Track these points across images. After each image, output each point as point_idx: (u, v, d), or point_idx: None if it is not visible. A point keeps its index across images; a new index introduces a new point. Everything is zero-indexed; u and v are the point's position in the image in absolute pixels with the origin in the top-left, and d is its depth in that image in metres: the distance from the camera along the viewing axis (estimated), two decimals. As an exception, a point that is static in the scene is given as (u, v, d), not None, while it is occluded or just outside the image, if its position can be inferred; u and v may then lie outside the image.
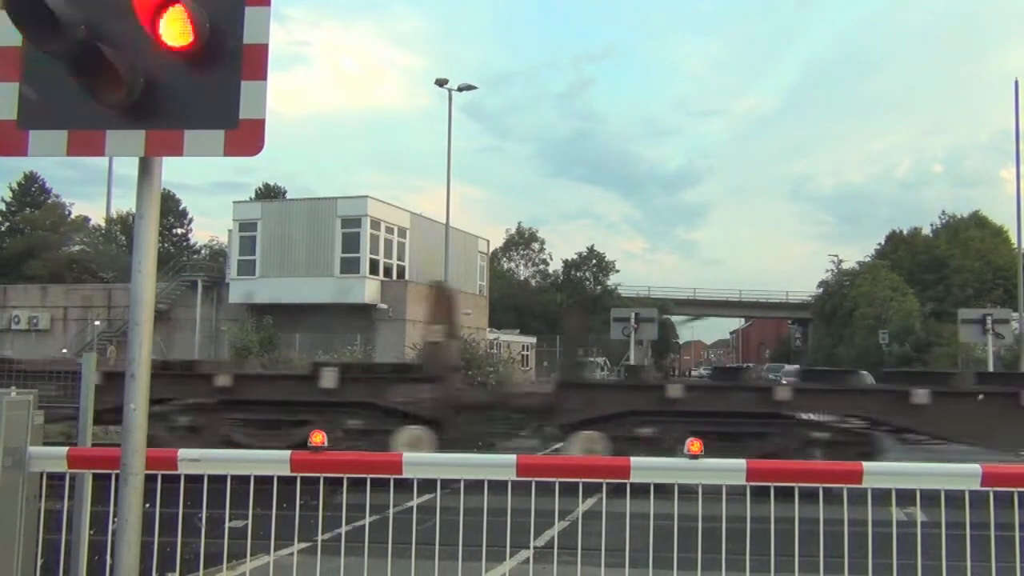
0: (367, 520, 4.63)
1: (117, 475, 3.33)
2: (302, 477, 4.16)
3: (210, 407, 11.68)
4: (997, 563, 4.02)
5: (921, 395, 11.30)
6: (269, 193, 63.05)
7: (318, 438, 4.16)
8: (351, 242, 35.52)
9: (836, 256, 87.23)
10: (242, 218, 37.41)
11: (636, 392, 12.29)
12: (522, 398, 13.42)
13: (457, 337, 14.34)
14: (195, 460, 4.12)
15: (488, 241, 48.41)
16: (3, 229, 61.71)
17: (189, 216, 68.92)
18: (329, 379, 11.81)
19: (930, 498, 4.06)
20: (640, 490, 4.20)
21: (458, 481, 4.23)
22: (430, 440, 11.49)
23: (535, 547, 4.86)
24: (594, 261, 74.21)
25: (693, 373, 70.88)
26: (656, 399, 11.72)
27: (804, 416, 11.73)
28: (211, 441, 10.71)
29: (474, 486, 4.25)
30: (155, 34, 3.10)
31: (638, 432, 11.42)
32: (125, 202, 71.82)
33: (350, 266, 35.42)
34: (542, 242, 75.00)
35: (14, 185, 62.51)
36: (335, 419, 11.45)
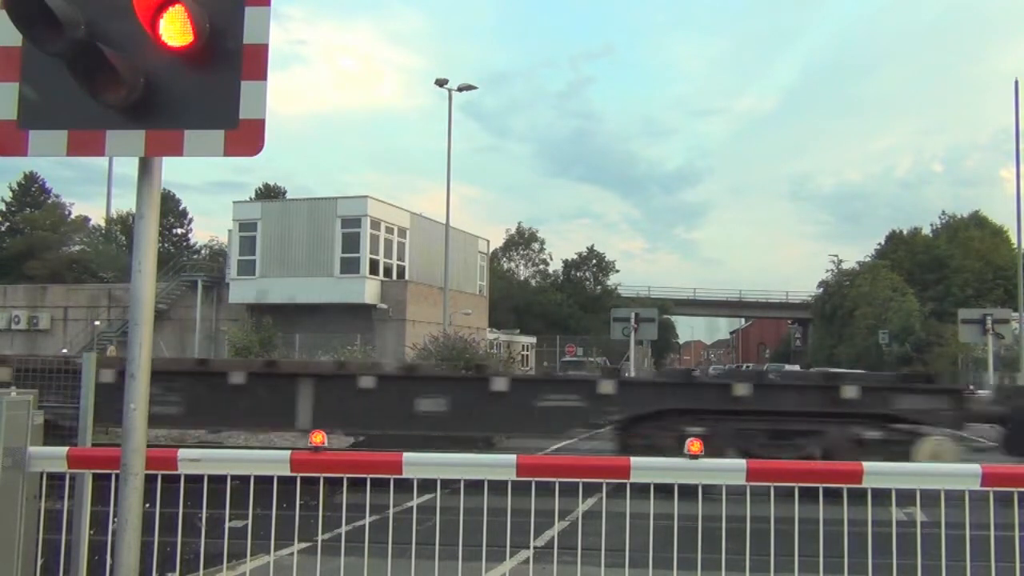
0: (367, 520, 4.63)
1: (117, 475, 3.33)
2: (302, 477, 4.17)
3: (725, 415, 11.50)
4: (997, 563, 4.01)
5: None
6: (269, 193, 63.05)
7: (318, 438, 4.16)
8: (351, 242, 35.52)
9: (836, 256, 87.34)
10: (242, 218, 37.42)
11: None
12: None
13: None
14: (195, 460, 4.12)
15: (488, 241, 48.43)
16: (3, 229, 61.71)
17: (189, 216, 69.00)
18: (851, 391, 11.52)
19: (930, 498, 4.07)
20: (640, 490, 4.20)
21: (458, 481, 4.23)
22: (953, 450, 11.20)
23: (535, 547, 4.86)
24: (594, 261, 74.23)
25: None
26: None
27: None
28: (721, 449, 10.43)
29: (474, 486, 4.25)
30: (155, 34, 3.10)
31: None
32: (125, 202, 71.93)
33: (350, 266, 35.43)
34: (542, 242, 75.10)
35: (14, 185, 62.61)
36: (847, 430, 11.27)
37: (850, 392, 11.45)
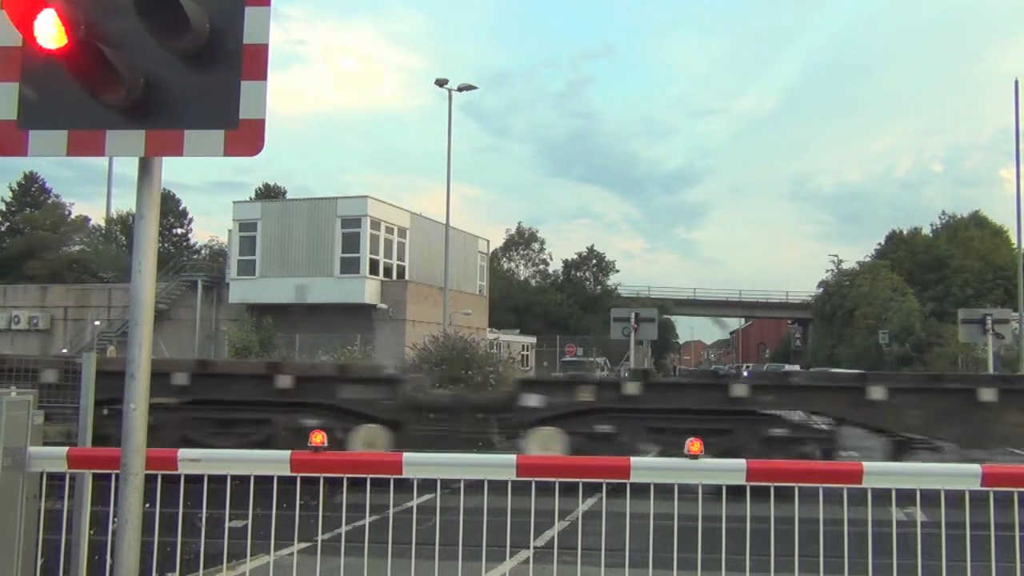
0: (367, 520, 4.63)
1: (117, 475, 3.33)
2: (302, 477, 4.17)
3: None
4: (997, 563, 4.02)
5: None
6: (269, 193, 63.03)
7: (318, 438, 4.16)
8: (351, 242, 35.53)
9: (836, 256, 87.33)
10: (242, 218, 37.42)
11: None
12: None
13: None
14: (195, 460, 4.12)
15: (488, 241, 48.44)
16: (3, 229, 61.70)
17: (189, 216, 68.98)
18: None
19: (930, 498, 4.07)
20: (640, 490, 4.20)
21: (458, 481, 4.23)
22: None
23: (535, 547, 4.86)
24: (594, 261, 74.25)
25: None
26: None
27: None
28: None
29: (474, 486, 4.25)
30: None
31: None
32: (125, 202, 71.89)
33: (350, 266, 35.43)
34: (542, 242, 75.13)
35: (14, 185, 62.59)
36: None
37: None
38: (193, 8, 3.08)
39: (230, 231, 38.44)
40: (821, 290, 67.74)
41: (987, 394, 11.20)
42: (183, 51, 3.16)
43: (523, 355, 50.62)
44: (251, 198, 56.57)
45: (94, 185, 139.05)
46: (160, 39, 3.11)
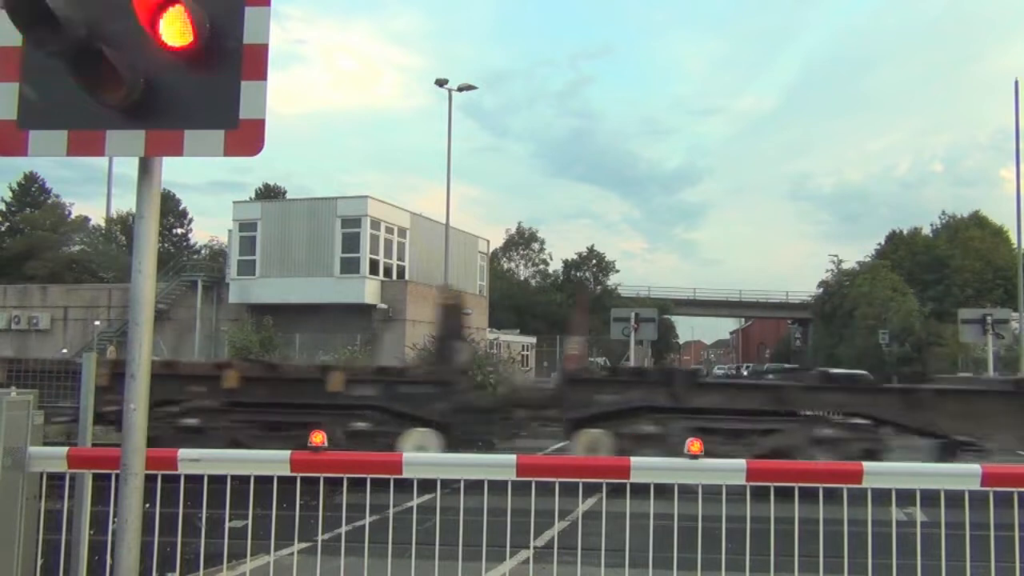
0: (367, 520, 4.63)
1: (117, 475, 3.33)
2: (302, 477, 4.17)
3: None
4: (997, 563, 4.02)
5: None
6: (269, 193, 63.07)
7: (318, 438, 4.16)
8: (351, 242, 35.53)
9: (836, 256, 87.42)
10: (242, 218, 37.43)
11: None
12: None
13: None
14: (195, 460, 4.12)
15: (488, 241, 48.44)
16: (3, 229, 61.72)
17: (189, 216, 69.06)
18: None
19: (930, 498, 4.07)
20: (640, 490, 4.20)
21: (458, 481, 4.23)
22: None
23: (535, 547, 4.86)
24: (594, 261, 74.25)
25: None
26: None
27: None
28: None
29: (474, 486, 4.25)
30: (155, 34, 3.10)
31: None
32: (125, 202, 71.93)
33: (350, 266, 35.43)
34: (542, 242, 75.12)
35: (14, 185, 62.62)
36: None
37: None
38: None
39: (230, 231, 38.44)
40: (821, 290, 67.72)
41: None
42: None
43: (523, 355, 50.61)
44: (251, 198, 56.62)
45: (94, 185, 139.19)
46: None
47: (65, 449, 4.26)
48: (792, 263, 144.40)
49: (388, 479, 4.16)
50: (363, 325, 34.53)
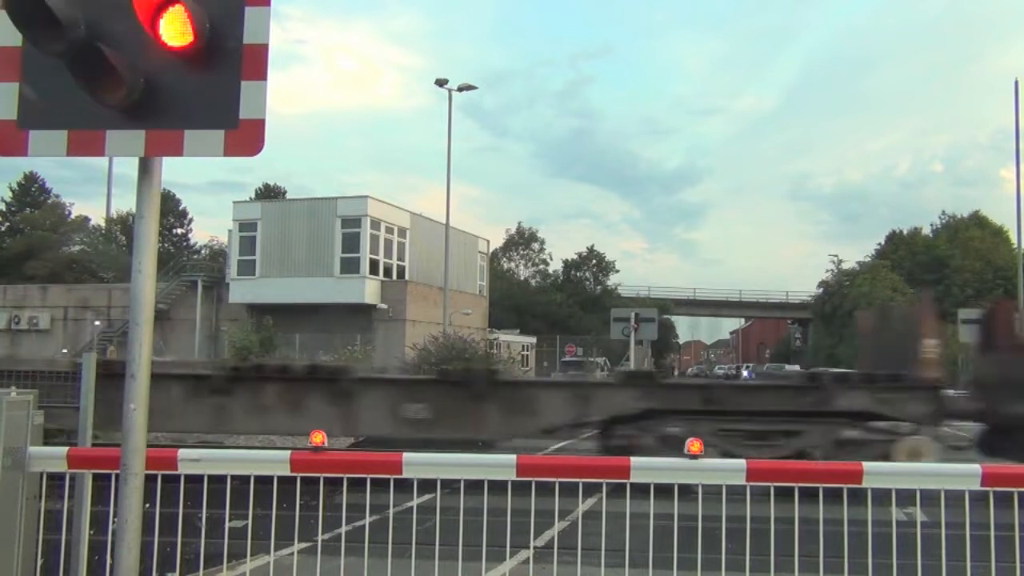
0: (367, 520, 4.63)
1: (117, 475, 3.32)
2: (302, 477, 4.17)
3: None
4: (997, 563, 4.01)
5: None
6: (269, 193, 63.05)
7: (318, 438, 4.16)
8: (351, 242, 35.55)
9: (836, 256, 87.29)
10: (242, 218, 37.44)
11: None
12: None
13: None
14: (195, 460, 4.12)
15: (488, 241, 48.46)
16: (3, 229, 61.72)
17: (189, 216, 69.08)
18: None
19: (930, 498, 4.06)
20: (640, 490, 4.20)
21: (458, 481, 4.23)
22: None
23: (535, 547, 4.86)
24: (594, 261, 74.18)
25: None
26: None
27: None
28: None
29: (474, 486, 4.25)
30: (155, 34, 3.10)
31: None
32: (125, 202, 71.87)
33: (350, 266, 35.44)
34: (542, 242, 75.09)
35: (14, 185, 62.63)
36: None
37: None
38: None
39: (230, 231, 38.47)
40: (821, 290, 67.71)
41: None
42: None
43: (523, 355, 50.61)
44: (251, 198, 56.60)
45: (94, 185, 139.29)
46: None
47: (65, 449, 4.26)
48: (792, 263, 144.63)
49: (388, 479, 4.16)
50: (363, 325, 34.52)
